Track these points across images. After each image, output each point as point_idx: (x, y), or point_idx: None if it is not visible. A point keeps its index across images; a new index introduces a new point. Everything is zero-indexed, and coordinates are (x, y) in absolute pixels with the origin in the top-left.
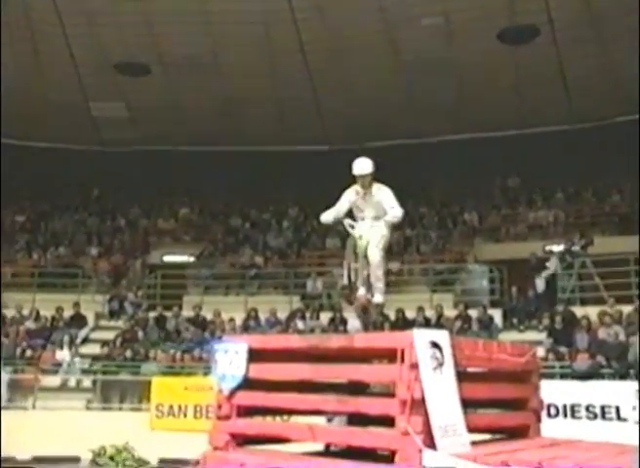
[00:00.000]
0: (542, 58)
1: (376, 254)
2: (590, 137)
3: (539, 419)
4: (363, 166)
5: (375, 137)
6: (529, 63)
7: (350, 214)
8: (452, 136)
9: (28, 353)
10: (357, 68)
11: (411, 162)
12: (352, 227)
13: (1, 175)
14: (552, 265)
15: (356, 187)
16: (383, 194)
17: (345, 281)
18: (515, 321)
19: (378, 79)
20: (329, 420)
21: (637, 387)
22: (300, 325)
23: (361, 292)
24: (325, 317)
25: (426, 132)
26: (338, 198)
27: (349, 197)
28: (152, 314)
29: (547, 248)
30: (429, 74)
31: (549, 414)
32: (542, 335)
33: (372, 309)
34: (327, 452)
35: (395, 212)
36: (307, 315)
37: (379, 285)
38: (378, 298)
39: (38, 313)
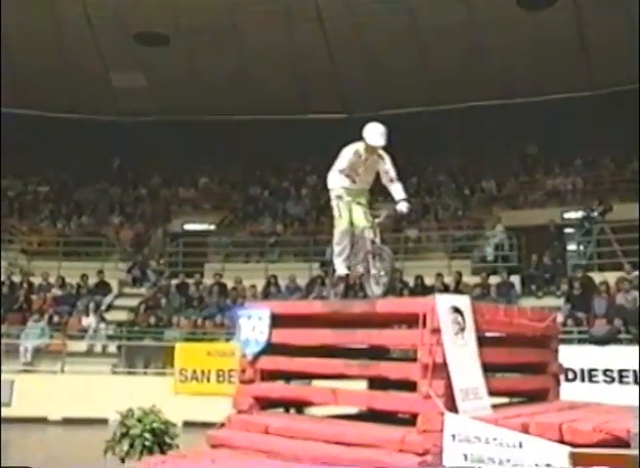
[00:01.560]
0: (561, 24)
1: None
2: (609, 103)
3: (558, 383)
4: (384, 138)
5: (392, 105)
6: (548, 29)
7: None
8: (470, 103)
9: (55, 319)
10: (374, 36)
11: (429, 130)
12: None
13: (24, 147)
14: (497, 234)
15: (360, 149)
16: (388, 163)
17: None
18: (533, 287)
19: (395, 46)
20: None
21: None
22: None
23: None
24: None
25: (444, 99)
26: None
27: (350, 158)
28: (174, 281)
29: (565, 215)
30: (447, 41)
31: (567, 379)
32: (561, 301)
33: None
34: (349, 416)
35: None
36: (327, 282)
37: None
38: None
39: (64, 281)
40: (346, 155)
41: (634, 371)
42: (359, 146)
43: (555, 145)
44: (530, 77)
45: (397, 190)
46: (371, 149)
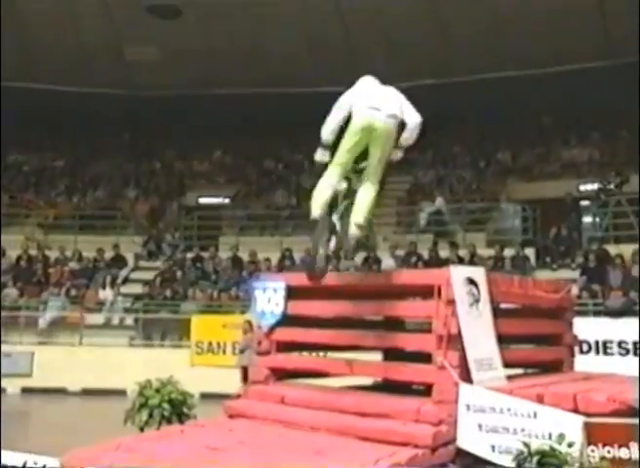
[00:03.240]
0: None
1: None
2: (627, 74)
3: (572, 354)
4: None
5: (407, 77)
6: None
7: None
8: (485, 73)
9: (73, 292)
10: (389, 6)
11: (443, 101)
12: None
13: (39, 121)
14: (438, 203)
15: None
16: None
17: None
18: (548, 260)
19: (410, 17)
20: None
21: None
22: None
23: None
24: (359, 256)
25: (459, 70)
26: None
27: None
28: (189, 255)
29: (582, 187)
30: (462, 11)
31: (582, 351)
32: (576, 274)
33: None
34: (364, 387)
35: (416, 116)
36: (342, 255)
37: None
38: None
39: (80, 254)
40: None
41: None
42: None
43: (572, 116)
44: (546, 47)
45: None
46: None
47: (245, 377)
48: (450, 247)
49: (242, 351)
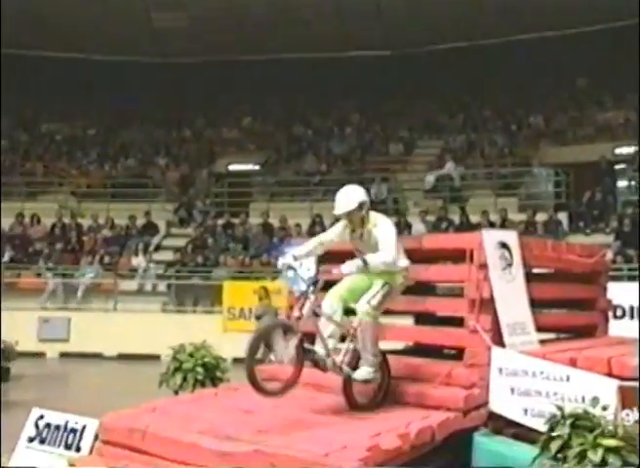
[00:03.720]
0: None
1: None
2: None
3: (606, 319)
4: (342, 202)
5: (437, 41)
6: None
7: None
8: (517, 36)
9: (106, 259)
10: None
11: (474, 65)
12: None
13: (69, 90)
14: (448, 167)
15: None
16: (381, 231)
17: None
18: (581, 224)
19: None
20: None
21: None
22: None
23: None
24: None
25: (490, 33)
26: (401, 102)
27: (339, 232)
28: (220, 221)
29: (617, 150)
30: None
31: (616, 316)
32: (610, 238)
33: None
34: (395, 351)
35: (381, 256)
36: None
37: (368, 357)
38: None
39: (113, 222)
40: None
41: None
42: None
43: (607, 78)
44: (579, 7)
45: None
46: (348, 221)
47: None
48: (460, 212)
49: (258, 317)
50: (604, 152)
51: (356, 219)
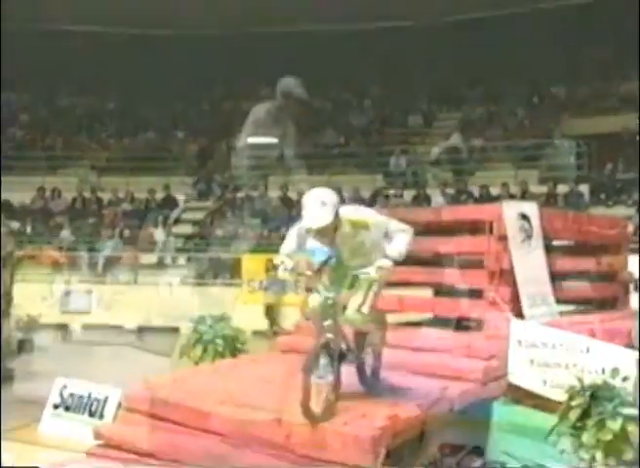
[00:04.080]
0: None
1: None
2: None
3: (627, 292)
4: (316, 213)
5: (457, 11)
6: None
7: None
8: (537, 5)
9: (127, 233)
10: None
11: (494, 35)
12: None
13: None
14: (454, 139)
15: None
16: (381, 225)
17: None
18: (603, 196)
19: None
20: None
21: None
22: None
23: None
24: (408, 195)
25: (510, 2)
26: (420, 75)
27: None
28: (239, 194)
29: None
30: None
31: (637, 288)
32: (632, 211)
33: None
34: (414, 323)
35: (401, 244)
36: (391, 192)
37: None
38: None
39: (133, 195)
40: None
41: None
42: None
43: (631, 48)
44: None
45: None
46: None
47: (268, 315)
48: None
49: (266, 289)
50: (627, 123)
51: (329, 229)
